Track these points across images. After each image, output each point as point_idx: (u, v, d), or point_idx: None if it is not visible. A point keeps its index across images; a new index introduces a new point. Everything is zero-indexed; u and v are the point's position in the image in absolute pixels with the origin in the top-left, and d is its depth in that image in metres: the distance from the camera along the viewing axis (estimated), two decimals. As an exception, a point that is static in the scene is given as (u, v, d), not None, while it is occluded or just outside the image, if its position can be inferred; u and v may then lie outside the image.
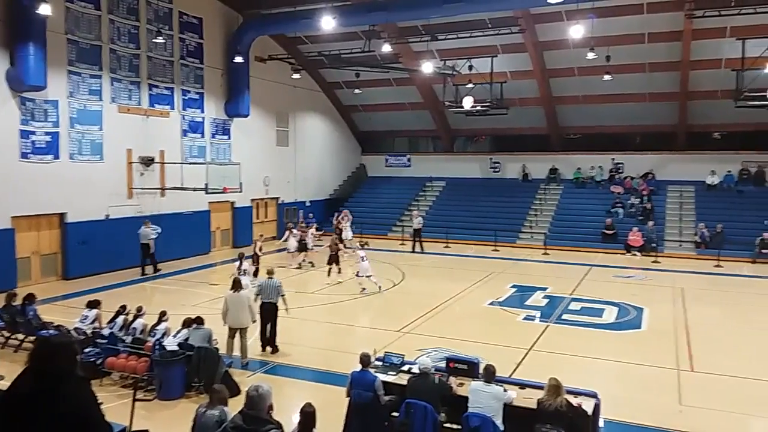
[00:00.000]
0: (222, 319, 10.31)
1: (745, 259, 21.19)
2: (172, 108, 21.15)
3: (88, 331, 10.30)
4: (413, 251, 23.18)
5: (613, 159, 27.92)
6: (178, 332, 9.70)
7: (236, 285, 10.56)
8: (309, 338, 12.47)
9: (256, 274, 16.52)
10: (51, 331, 9.95)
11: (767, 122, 23.29)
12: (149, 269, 18.50)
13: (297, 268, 19.55)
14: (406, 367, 7.71)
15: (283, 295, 11.04)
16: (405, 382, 7.10)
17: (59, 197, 17.23)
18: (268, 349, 10.88)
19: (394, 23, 23.26)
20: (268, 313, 10.83)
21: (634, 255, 22.46)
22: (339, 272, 17.87)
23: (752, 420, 8.49)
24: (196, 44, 22.10)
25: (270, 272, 11.36)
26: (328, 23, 18.32)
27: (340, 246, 18.94)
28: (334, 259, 17.91)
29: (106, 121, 18.56)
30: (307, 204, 28.76)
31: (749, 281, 18.68)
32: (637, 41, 22.53)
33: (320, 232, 23.33)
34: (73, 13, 17.50)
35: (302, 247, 20.09)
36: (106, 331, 10.13)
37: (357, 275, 16.49)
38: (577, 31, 18.51)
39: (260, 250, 18.42)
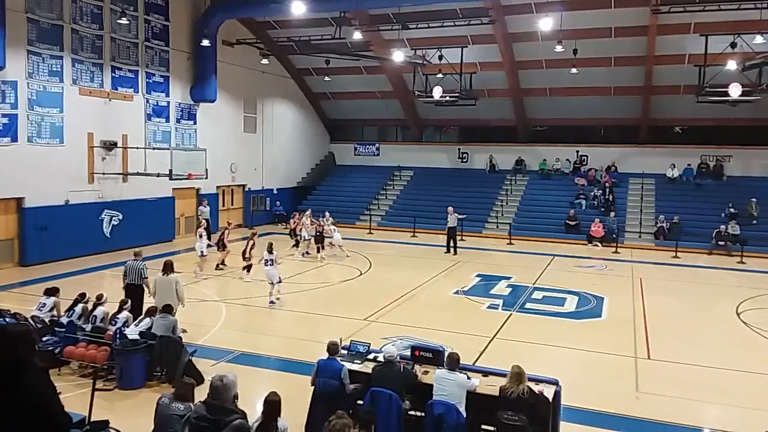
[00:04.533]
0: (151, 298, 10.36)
1: (702, 251, 21.84)
2: (136, 91, 20.64)
3: (46, 319, 10.05)
4: (448, 251, 21.07)
5: (578, 151, 28.40)
6: (141, 321, 9.55)
7: (166, 268, 10.74)
8: (274, 327, 12.44)
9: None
10: (8, 319, 9.65)
11: (727, 117, 23.97)
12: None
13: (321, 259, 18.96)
14: (371, 356, 7.73)
15: (145, 278, 11.10)
16: (370, 371, 7.13)
17: (17, 181, 16.68)
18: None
19: (365, 10, 23.06)
20: (134, 294, 10.81)
21: (596, 245, 22.94)
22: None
23: (706, 406, 8.79)
24: (162, 26, 21.57)
25: (137, 254, 11.43)
26: (298, 8, 18.09)
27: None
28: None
29: (66, 104, 18.01)
30: (275, 192, 28.51)
31: (705, 272, 19.24)
32: (604, 35, 22.83)
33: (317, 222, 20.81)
34: (32, -9, 16.90)
35: (319, 239, 19.21)
36: (64, 320, 9.91)
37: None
38: (546, 23, 18.76)
39: (227, 237, 17.90)
